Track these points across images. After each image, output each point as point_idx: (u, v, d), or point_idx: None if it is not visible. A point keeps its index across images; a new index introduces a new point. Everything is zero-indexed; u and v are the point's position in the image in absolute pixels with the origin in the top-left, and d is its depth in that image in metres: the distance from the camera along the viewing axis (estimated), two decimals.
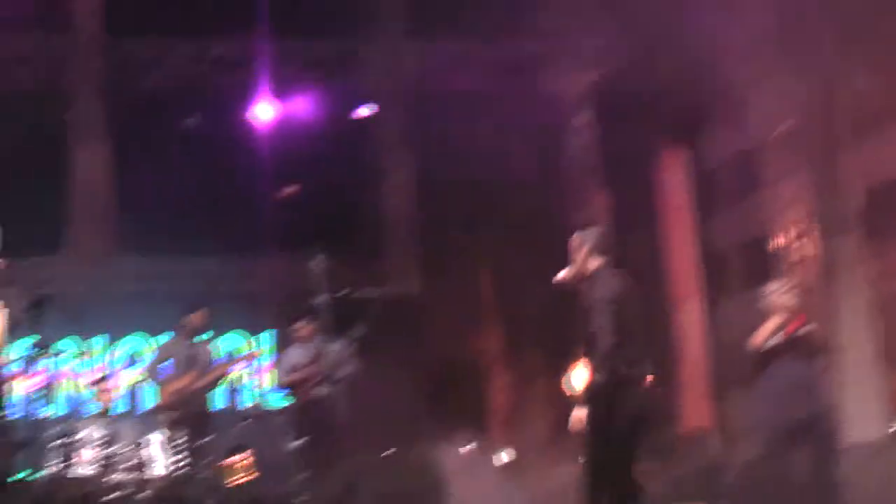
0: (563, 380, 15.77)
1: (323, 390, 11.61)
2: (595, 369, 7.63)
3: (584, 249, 7.96)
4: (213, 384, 12.38)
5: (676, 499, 11.18)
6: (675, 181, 16.82)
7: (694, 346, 16.51)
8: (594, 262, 7.92)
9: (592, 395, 7.68)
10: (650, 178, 16.76)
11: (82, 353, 14.41)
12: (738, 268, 16.15)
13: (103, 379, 11.91)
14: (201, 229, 15.26)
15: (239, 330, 15.66)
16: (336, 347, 11.16)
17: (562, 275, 8.01)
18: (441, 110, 15.95)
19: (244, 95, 15.81)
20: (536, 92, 16.46)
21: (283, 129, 15.80)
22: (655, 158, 16.78)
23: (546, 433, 15.47)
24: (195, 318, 12.09)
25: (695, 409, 16.21)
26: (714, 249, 16.55)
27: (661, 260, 16.69)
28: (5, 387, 7.50)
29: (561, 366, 16.02)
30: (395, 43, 16.43)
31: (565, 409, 15.31)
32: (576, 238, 8.02)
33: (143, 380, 13.29)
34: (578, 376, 15.54)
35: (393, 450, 13.11)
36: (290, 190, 14.25)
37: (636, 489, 7.64)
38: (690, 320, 16.60)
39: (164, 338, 12.85)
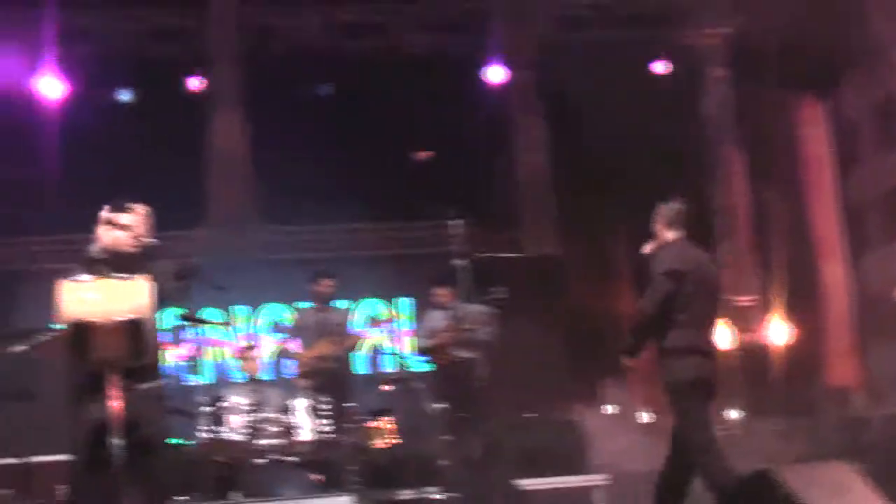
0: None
1: (464, 353, 11.68)
2: (626, 337, 8.17)
3: (661, 223, 8.22)
4: (353, 349, 12.53)
5: (821, 456, 11.03)
6: (814, 134, 16.50)
7: (838, 300, 16.23)
8: (669, 236, 8.18)
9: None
10: (789, 131, 16.47)
11: (226, 323, 14.67)
12: (882, 220, 15.82)
13: (248, 347, 12.10)
14: (339, 196, 15.39)
15: (377, 296, 15.79)
16: (476, 310, 11.19)
17: (646, 247, 8.24)
18: (573, 67, 15.86)
19: (374, 60, 15.87)
20: (670, 46, 16.26)
21: (413, 93, 15.82)
22: (793, 111, 16.47)
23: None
24: (334, 284, 12.23)
25: (840, 364, 15.95)
26: (856, 202, 16.23)
27: (803, 214, 16.41)
28: (159, 355, 7.68)
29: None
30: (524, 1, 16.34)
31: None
32: (656, 212, 8.23)
33: (285, 347, 13.50)
34: (720, 334, 15.42)
35: (535, 411, 13.12)
36: (424, 154, 14.29)
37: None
38: (834, 274, 16.31)
39: (304, 305, 13.03)
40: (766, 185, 16.11)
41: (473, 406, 11.23)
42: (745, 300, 16.80)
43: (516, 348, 13.28)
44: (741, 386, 15.81)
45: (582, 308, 15.94)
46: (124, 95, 15.57)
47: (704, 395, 8.15)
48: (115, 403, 6.70)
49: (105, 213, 7.53)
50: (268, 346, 14.92)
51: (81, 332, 6.49)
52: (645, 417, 15.98)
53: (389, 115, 15.63)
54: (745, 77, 16.14)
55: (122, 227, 7.45)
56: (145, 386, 7.24)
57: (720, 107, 16.91)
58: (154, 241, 7.53)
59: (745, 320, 16.75)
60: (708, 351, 8.17)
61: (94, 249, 7.51)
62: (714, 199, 16.92)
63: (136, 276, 6.81)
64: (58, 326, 6.66)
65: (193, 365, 9.14)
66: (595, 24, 16.13)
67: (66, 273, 7.02)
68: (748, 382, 15.67)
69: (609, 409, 16.89)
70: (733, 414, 15.03)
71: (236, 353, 12.76)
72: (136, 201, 7.66)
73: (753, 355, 16.04)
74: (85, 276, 6.82)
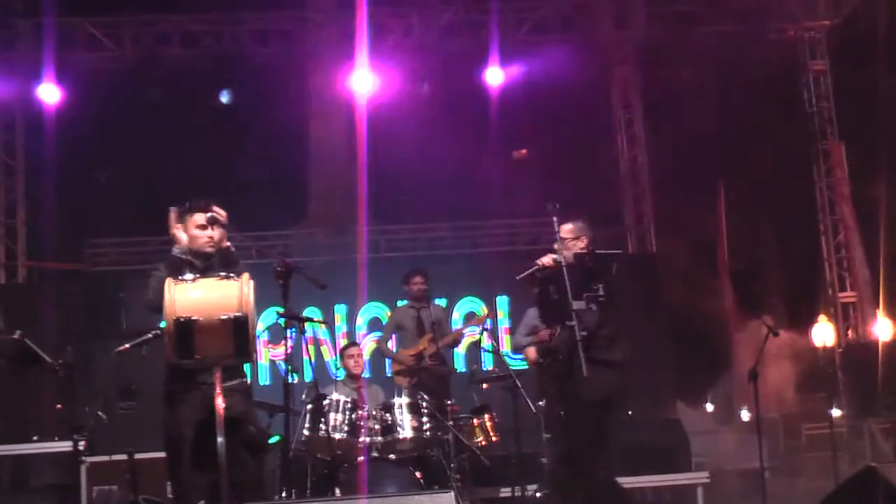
0: (810, 333, 15.45)
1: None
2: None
3: (569, 239, 8.70)
4: (449, 345, 12.56)
5: None
6: None
7: None
8: (578, 246, 8.73)
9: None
10: (891, 125, 16.18)
11: (326, 322, 14.77)
12: None
13: (347, 346, 12.16)
14: (437, 195, 15.45)
15: (475, 293, 15.81)
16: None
17: (544, 260, 8.81)
18: (672, 63, 15.77)
19: (473, 59, 15.90)
20: (770, 39, 16.10)
21: (516, 91, 15.81)
22: None
23: (790, 389, 15.19)
24: (424, 281, 12.27)
25: None
26: None
27: None
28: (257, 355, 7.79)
29: (802, 320, 15.69)
30: None
31: (809, 364, 15.04)
32: (563, 229, 8.71)
33: (381, 349, 13.54)
34: (822, 331, 15.21)
35: (636, 409, 13.05)
36: (520, 153, 14.30)
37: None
38: None
39: (402, 303, 13.08)
40: (871, 178, 15.85)
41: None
42: (849, 296, 16.59)
43: None
44: (845, 384, 15.60)
45: (683, 305, 15.83)
46: (223, 97, 15.73)
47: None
48: (219, 401, 6.77)
49: (177, 213, 7.62)
50: (368, 344, 15.00)
51: (185, 330, 6.56)
52: (746, 415, 15.84)
53: (488, 113, 15.65)
54: (849, 68, 15.93)
55: (202, 228, 7.54)
56: (228, 384, 7.29)
57: (822, 99, 16.73)
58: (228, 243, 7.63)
59: (849, 317, 16.55)
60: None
61: (182, 251, 7.59)
62: (817, 194, 16.73)
63: (238, 274, 6.88)
64: (163, 325, 6.74)
65: (292, 363, 9.21)
66: (695, 20, 16.02)
67: (167, 272, 7.12)
68: (853, 380, 15.44)
69: (710, 407, 16.77)
70: (838, 412, 14.82)
71: (335, 352, 12.85)
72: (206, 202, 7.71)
73: (858, 352, 15.80)
74: (188, 275, 6.90)
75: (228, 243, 7.62)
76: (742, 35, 15.83)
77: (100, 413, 10.22)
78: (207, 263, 7.49)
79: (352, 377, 11.43)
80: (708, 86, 15.43)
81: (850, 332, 16.47)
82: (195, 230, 7.55)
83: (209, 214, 7.51)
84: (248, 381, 7.94)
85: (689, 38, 15.86)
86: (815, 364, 15.43)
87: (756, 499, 10.38)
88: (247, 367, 8.05)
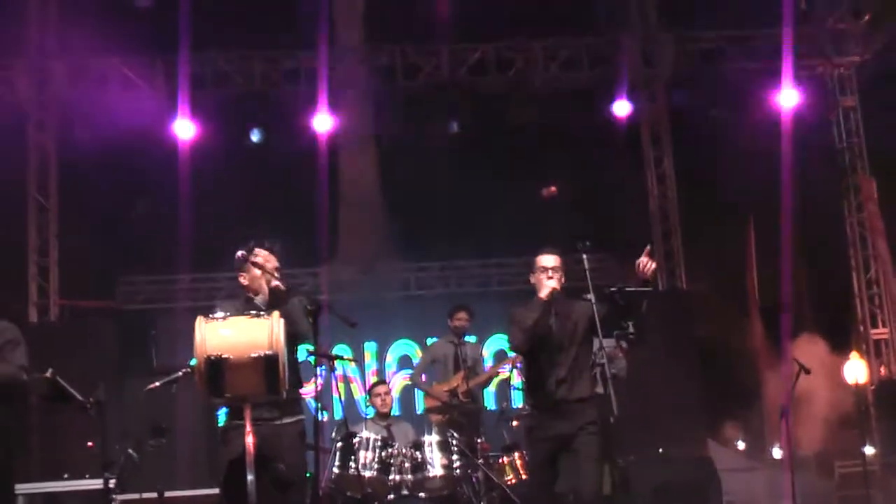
0: (843, 370, 15.34)
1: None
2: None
3: (560, 269, 8.76)
4: (482, 385, 12.52)
5: None
6: None
7: None
8: (560, 280, 8.80)
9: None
10: None
11: (356, 359, 14.77)
12: None
13: (375, 384, 12.15)
14: (467, 232, 15.45)
15: (505, 331, 15.78)
16: (607, 345, 11.11)
17: (555, 286, 8.76)
18: (699, 101, 15.78)
19: (503, 95, 15.96)
20: (799, 75, 16.09)
21: (542, 128, 15.85)
22: None
23: (823, 427, 15.09)
24: (468, 318, 12.24)
25: None
26: None
27: None
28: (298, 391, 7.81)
29: (836, 357, 15.59)
30: (652, 35, 16.22)
31: (842, 401, 14.93)
32: (552, 260, 8.78)
33: (414, 383, 13.53)
34: (854, 367, 15.10)
35: (667, 447, 12.99)
36: (550, 190, 14.27)
37: None
38: None
39: (432, 341, 13.06)
40: None
41: (604, 441, 11.14)
42: (881, 333, 16.50)
43: (648, 383, 13.16)
44: (878, 421, 15.50)
45: (714, 342, 15.76)
46: (254, 135, 15.82)
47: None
48: (250, 438, 6.78)
49: (243, 254, 7.67)
50: (397, 382, 14.98)
51: (216, 368, 6.58)
52: (777, 453, 15.75)
53: (518, 150, 15.69)
54: (875, 106, 15.91)
55: (261, 268, 7.58)
56: (285, 421, 7.37)
57: (852, 135, 16.71)
58: (283, 282, 7.64)
59: (881, 353, 16.46)
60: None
61: (239, 294, 7.67)
62: (848, 229, 16.67)
63: (269, 312, 6.89)
64: (193, 363, 6.76)
65: (322, 401, 9.20)
66: (724, 56, 16.06)
67: (204, 310, 7.14)
68: (886, 417, 15.34)
69: (741, 444, 16.67)
70: (870, 449, 14.71)
71: (365, 389, 12.83)
72: (268, 241, 7.79)
73: (891, 389, 15.70)
74: (219, 313, 6.92)
75: (277, 282, 7.64)
76: (771, 71, 15.83)
77: (130, 451, 10.25)
78: (265, 302, 7.56)
79: (381, 416, 11.42)
80: (737, 122, 15.42)
81: (882, 368, 16.38)
82: (255, 270, 7.65)
83: (254, 258, 7.62)
84: (303, 420, 7.94)
85: (718, 74, 15.88)
86: (847, 401, 15.33)
87: None
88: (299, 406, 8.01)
